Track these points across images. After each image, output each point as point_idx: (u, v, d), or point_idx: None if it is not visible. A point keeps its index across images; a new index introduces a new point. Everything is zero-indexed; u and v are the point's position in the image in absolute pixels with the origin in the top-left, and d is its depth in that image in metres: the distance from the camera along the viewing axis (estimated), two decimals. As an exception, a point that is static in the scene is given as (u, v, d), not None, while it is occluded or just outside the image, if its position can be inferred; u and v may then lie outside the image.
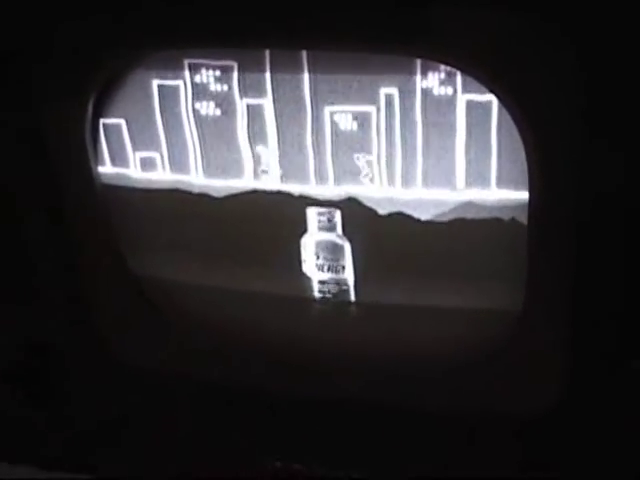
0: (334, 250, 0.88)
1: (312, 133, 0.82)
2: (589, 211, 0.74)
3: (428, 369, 0.86)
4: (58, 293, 0.96)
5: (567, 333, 0.78)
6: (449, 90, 0.76)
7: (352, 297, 0.89)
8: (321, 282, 0.90)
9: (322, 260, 0.88)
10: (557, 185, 0.73)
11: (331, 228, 0.86)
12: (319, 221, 0.86)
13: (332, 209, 0.85)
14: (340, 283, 0.89)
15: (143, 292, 0.96)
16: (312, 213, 0.86)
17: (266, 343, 0.92)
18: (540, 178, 0.73)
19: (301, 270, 0.89)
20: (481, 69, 0.72)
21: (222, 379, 0.95)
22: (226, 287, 0.92)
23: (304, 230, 0.87)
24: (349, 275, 0.88)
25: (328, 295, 0.89)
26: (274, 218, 0.87)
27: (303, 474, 0.96)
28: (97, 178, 0.91)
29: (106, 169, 0.91)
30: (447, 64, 0.75)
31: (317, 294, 0.90)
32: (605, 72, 0.69)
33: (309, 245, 0.88)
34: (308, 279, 0.90)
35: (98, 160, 0.90)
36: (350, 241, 0.87)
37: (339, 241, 0.87)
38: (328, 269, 0.88)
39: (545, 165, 0.73)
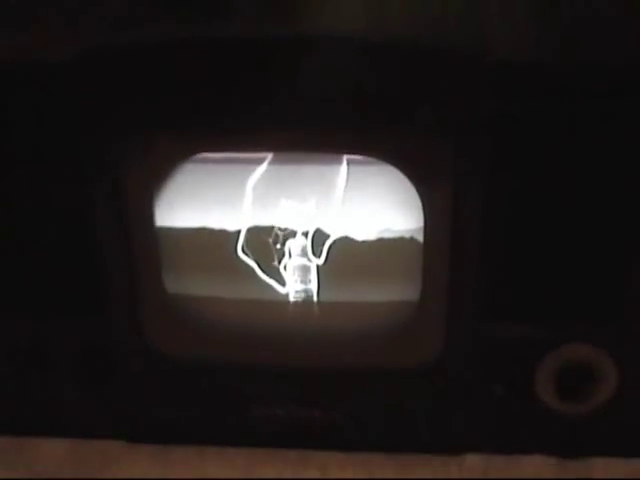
0: (304, 270, 1.37)
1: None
2: (460, 236, 1.26)
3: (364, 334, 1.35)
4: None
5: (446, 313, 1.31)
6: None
7: (315, 299, 1.37)
8: (296, 291, 1.38)
9: (297, 276, 1.37)
10: (438, 218, 1.26)
11: (303, 254, 1.36)
12: (295, 249, 1.36)
13: (304, 240, 1.35)
14: (307, 291, 1.37)
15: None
16: (291, 244, 1.36)
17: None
18: (429, 215, 1.27)
19: (284, 286, 1.38)
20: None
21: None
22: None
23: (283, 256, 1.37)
24: (314, 285, 1.37)
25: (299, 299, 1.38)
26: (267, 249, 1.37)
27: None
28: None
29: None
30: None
31: (292, 299, 1.39)
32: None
33: (289, 267, 1.37)
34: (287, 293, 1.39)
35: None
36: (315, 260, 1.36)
37: (308, 263, 1.36)
38: (301, 282, 1.37)
39: (430, 209, 1.27)
